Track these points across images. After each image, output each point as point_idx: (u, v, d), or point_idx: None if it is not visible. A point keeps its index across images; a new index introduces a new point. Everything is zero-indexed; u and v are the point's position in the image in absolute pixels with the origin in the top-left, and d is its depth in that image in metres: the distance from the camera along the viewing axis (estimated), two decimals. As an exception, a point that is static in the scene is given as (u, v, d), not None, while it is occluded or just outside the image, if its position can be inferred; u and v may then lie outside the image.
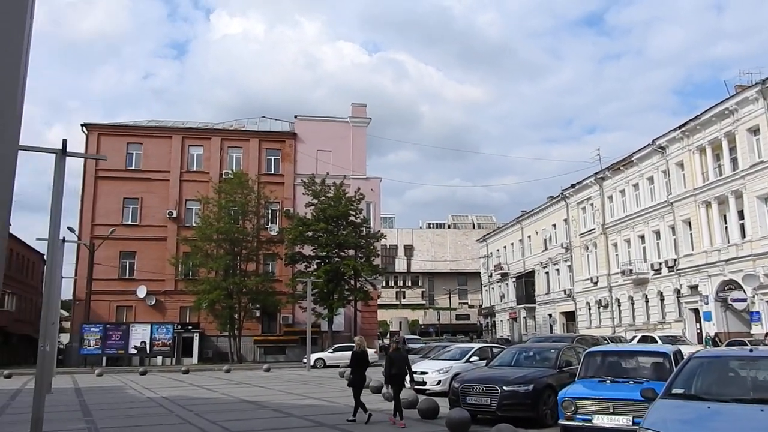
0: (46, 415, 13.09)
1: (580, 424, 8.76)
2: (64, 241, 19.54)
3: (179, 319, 40.71)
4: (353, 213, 39.42)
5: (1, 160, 2.13)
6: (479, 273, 78.02)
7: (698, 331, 35.74)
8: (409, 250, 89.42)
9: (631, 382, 9.11)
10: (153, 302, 41.14)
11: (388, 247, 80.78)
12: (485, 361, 16.95)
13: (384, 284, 72.16)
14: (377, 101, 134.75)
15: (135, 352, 37.27)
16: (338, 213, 38.65)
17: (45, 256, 26.75)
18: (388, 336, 69.02)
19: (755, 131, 31.58)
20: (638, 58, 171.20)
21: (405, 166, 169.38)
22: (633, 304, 42.69)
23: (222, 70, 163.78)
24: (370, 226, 42.11)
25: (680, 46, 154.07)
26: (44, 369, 10.17)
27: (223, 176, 41.90)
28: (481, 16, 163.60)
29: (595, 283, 46.90)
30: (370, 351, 36.35)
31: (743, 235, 32.71)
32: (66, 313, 50.98)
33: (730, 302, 32.60)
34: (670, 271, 38.45)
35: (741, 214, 32.91)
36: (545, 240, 56.59)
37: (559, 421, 9.12)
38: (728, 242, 33.55)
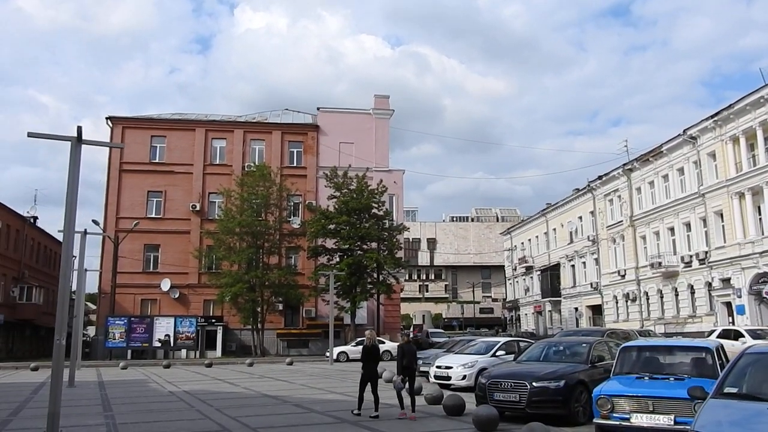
0: (66, 409, 12.96)
1: (617, 423, 8.25)
2: (85, 233, 19.48)
3: (203, 313, 40.80)
4: (376, 205, 39.04)
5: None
6: (503, 266, 77.24)
7: (730, 324, 34.77)
8: (432, 243, 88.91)
9: (671, 378, 8.56)
10: (177, 295, 41.27)
11: (410, 240, 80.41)
12: (511, 356, 16.49)
13: (407, 277, 71.85)
14: (400, 95, 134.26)
15: (159, 345, 37.42)
16: (361, 205, 38.30)
17: (74, 250, 26.91)
18: (411, 329, 68.74)
19: (792, 119, 30.49)
20: (664, 49, 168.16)
21: (427, 160, 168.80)
22: (662, 297, 41.70)
23: (245, 65, 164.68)
24: (393, 218, 41.70)
25: (708, 37, 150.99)
26: (59, 363, 9.94)
27: (246, 169, 41.75)
28: (506, 9, 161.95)
29: (623, 276, 45.94)
30: (393, 345, 36.28)
31: (778, 227, 31.75)
32: (93, 306, 51.58)
33: (764, 295, 31.62)
34: (701, 264, 37.42)
35: (776, 206, 31.92)
36: (571, 232, 55.64)
37: (594, 420, 8.62)
38: (762, 234, 32.52)
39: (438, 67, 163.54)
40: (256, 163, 41.10)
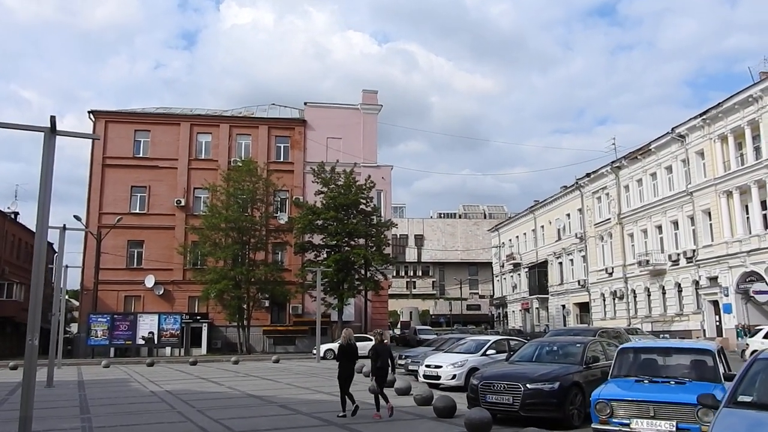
0: (42, 411, 12.50)
1: (617, 428, 7.92)
2: (64, 228, 18.90)
3: (188, 309, 40.19)
4: (364, 201, 38.64)
5: None
6: (490, 263, 77.17)
7: (717, 323, 34.85)
8: (419, 239, 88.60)
9: (672, 382, 8.25)
10: (161, 292, 40.63)
11: (398, 236, 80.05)
12: (501, 355, 16.20)
13: (394, 274, 71.46)
14: (387, 92, 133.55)
15: (143, 342, 36.79)
16: (348, 201, 37.87)
17: (55, 246, 26.22)
18: (399, 326, 68.49)
19: (781, 118, 30.48)
20: (650, 49, 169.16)
21: (415, 157, 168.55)
22: (649, 295, 41.75)
23: (231, 61, 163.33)
24: (381, 214, 41.32)
25: (693, 38, 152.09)
26: (32, 364, 9.46)
27: (232, 164, 41.10)
28: (494, 7, 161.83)
29: (610, 274, 45.96)
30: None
31: (766, 226, 31.76)
32: (77, 303, 50.72)
33: (752, 294, 31.67)
34: (688, 262, 37.48)
35: (764, 205, 32.00)
36: (559, 230, 55.64)
37: (593, 425, 8.29)
38: (750, 233, 32.61)
39: (426, 65, 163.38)
40: (243, 158, 40.48)
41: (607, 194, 47.22)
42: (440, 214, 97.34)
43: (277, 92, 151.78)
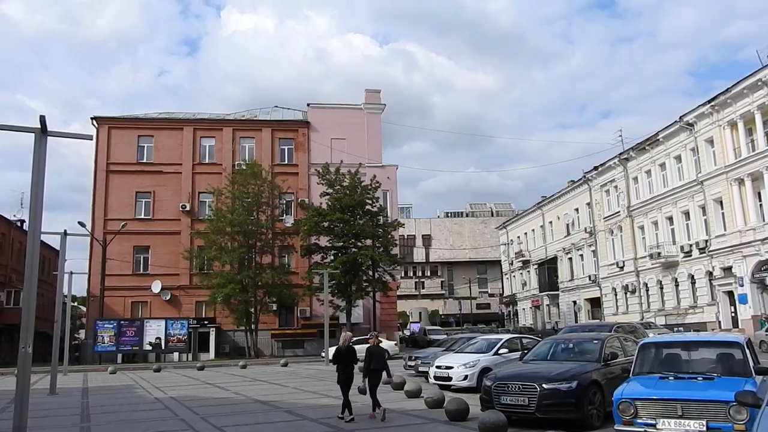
0: (41, 420, 12.16)
1: (642, 429, 7.42)
2: (65, 234, 18.57)
3: (195, 314, 39.89)
4: (370, 202, 38.18)
5: None
6: (499, 261, 76.58)
7: (732, 314, 34.23)
8: (427, 239, 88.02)
9: (700, 378, 7.73)
10: (168, 297, 40.34)
11: (405, 237, 79.55)
12: (514, 354, 15.70)
13: (403, 275, 71.02)
14: (389, 92, 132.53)
15: (150, 348, 36.48)
16: (354, 202, 37.41)
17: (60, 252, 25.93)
18: (408, 327, 67.94)
19: (793, 102, 29.84)
20: (651, 40, 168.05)
21: (419, 157, 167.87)
22: (662, 288, 41.08)
23: (233, 66, 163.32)
24: (387, 215, 40.83)
25: (693, 27, 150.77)
26: (26, 372, 9.08)
27: (236, 167, 40.73)
28: (493, 3, 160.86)
29: (621, 268, 45.31)
30: (390, 343, 35.50)
31: (780, 213, 31.15)
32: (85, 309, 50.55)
33: (768, 284, 31.05)
34: (701, 253, 36.81)
35: (777, 191, 31.31)
36: (567, 225, 55.01)
37: (615, 427, 7.77)
38: (764, 221, 32.01)
39: (426, 64, 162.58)
40: (247, 161, 40.07)
41: (616, 187, 46.58)
42: (447, 213, 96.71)
43: (279, 97, 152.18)
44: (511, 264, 69.08)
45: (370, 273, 37.70)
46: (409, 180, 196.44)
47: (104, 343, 35.98)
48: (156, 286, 40.07)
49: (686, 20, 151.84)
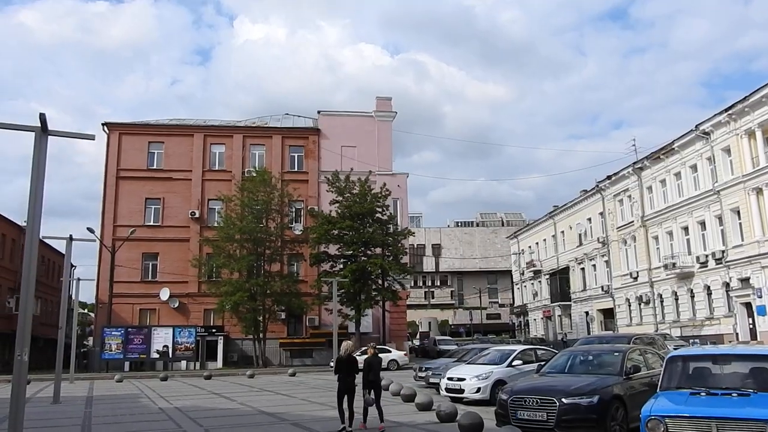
0: (40, 431, 11.76)
1: (673, 450, 6.95)
2: (71, 238, 18.28)
3: (203, 322, 39.58)
4: (380, 210, 37.79)
5: None
6: (510, 271, 75.80)
7: (750, 326, 33.43)
8: (437, 249, 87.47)
9: (734, 394, 7.25)
10: (176, 305, 40.06)
11: (415, 246, 79.05)
12: (528, 366, 15.18)
13: (412, 284, 70.43)
14: (400, 102, 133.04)
15: (157, 356, 36.14)
16: (364, 210, 37.04)
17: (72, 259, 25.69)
18: (410, 338, 67.27)
19: (813, 111, 29.19)
20: (663, 51, 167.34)
21: (429, 166, 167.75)
22: (677, 299, 40.28)
23: (245, 75, 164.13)
24: (398, 223, 40.41)
25: (706, 38, 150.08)
26: (21, 381, 8.70)
27: (246, 174, 40.50)
28: (504, 14, 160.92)
29: (635, 279, 44.54)
30: (400, 353, 34.96)
31: (800, 224, 30.42)
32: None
33: (787, 296, 30.28)
34: (717, 264, 36.05)
35: (797, 201, 30.61)
36: (580, 235, 54.28)
37: (644, 446, 7.31)
38: (783, 231, 31.24)
39: (437, 74, 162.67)
40: (257, 169, 39.85)
41: (630, 196, 45.90)
42: (457, 222, 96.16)
43: (290, 106, 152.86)
44: (522, 274, 68.33)
45: (380, 282, 37.26)
46: (419, 189, 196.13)
47: (111, 350, 35.70)
48: (164, 294, 39.82)
49: (699, 31, 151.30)
